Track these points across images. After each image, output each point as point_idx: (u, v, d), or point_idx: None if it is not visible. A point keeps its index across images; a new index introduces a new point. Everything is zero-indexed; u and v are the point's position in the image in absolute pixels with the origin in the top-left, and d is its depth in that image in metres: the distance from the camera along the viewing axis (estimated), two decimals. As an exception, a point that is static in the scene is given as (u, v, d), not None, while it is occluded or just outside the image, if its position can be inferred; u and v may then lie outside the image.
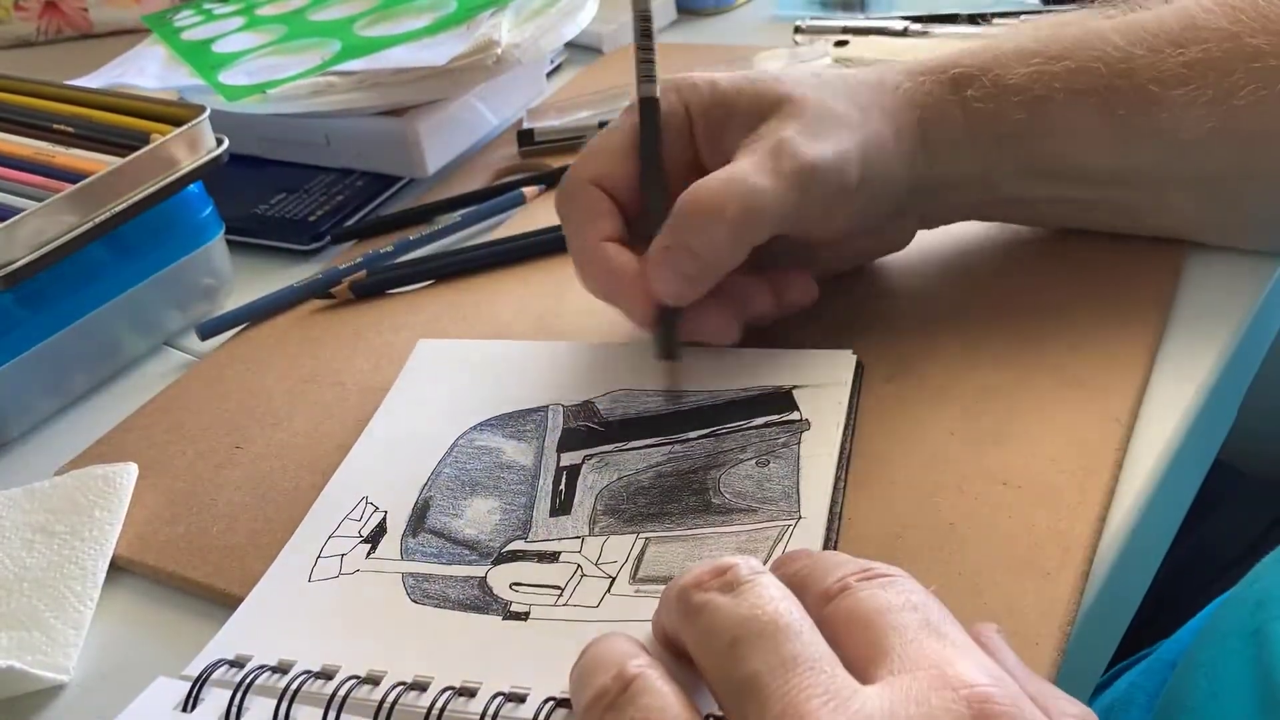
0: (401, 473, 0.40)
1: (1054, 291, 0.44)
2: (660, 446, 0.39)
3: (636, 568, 0.35)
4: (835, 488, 0.36)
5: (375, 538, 0.38)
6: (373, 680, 0.33)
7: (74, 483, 0.43)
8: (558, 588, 0.35)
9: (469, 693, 0.32)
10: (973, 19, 0.69)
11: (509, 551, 0.37)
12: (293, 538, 0.39)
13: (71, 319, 0.49)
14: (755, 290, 0.42)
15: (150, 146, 0.48)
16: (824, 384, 0.40)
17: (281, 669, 0.33)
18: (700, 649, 0.27)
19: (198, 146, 0.50)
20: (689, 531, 0.36)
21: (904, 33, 0.69)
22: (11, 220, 0.44)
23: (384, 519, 0.39)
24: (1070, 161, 0.43)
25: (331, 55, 0.63)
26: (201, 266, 0.53)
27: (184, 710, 0.33)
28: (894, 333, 0.43)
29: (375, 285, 0.53)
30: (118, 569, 0.40)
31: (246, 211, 0.61)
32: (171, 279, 0.52)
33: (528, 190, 0.58)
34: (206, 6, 0.75)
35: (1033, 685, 0.26)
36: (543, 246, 0.53)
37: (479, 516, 0.38)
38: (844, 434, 0.38)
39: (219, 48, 0.68)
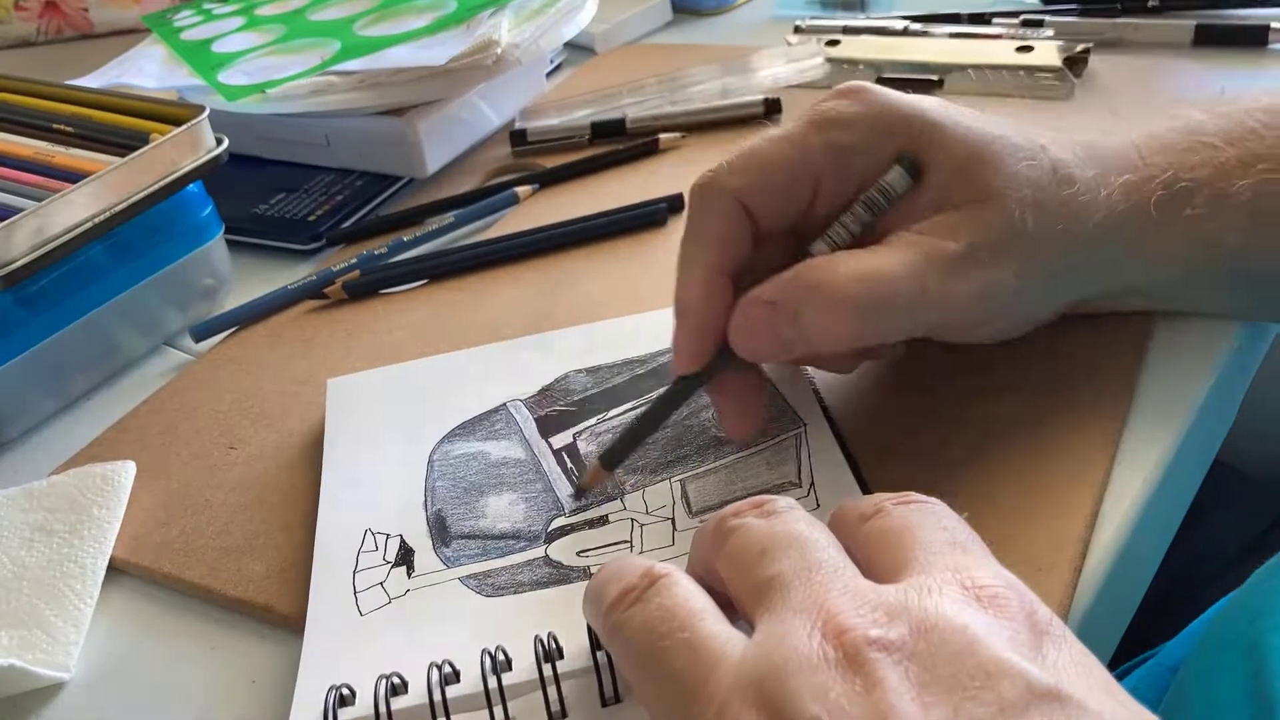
0: (389, 500, 0.39)
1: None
2: (640, 408, 0.40)
3: (688, 504, 0.36)
4: (818, 397, 0.39)
5: (406, 557, 0.37)
6: (506, 656, 0.31)
7: (72, 481, 0.43)
8: (625, 541, 0.36)
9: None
10: (973, 19, 0.69)
11: (556, 529, 0.37)
12: (311, 593, 0.36)
13: (71, 319, 0.49)
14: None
15: (150, 146, 0.48)
16: None
17: (400, 682, 0.32)
18: (730, 563, 0.28)
19: (197, 146, 0.50)
20: (717, 463, 0.38)
21: (904, 32, 0.69)
22: (11, 220, 0.44)
23: (403, 540, 0.37)
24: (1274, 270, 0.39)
25: (331, 55, 0.63)
26: (201, 266, 0.53)
27: None
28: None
29: (368, 285, 0.53)
30: (114, 570, 0.40)
31: (246, 211, 0.61)
32: (171, 279, 0.52)
33: (521, 190, 0.59)
34: (206, 6, 0.75)
35: None
36: (535, 245, 0.54)
37: (503, 511, 0.38)
38: None
39: (219, 48, 0.68)
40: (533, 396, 0.42)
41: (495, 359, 0.45)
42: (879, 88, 0.38)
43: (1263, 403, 0.56)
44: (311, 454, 0.43)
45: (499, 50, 0.59)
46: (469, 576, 0.36)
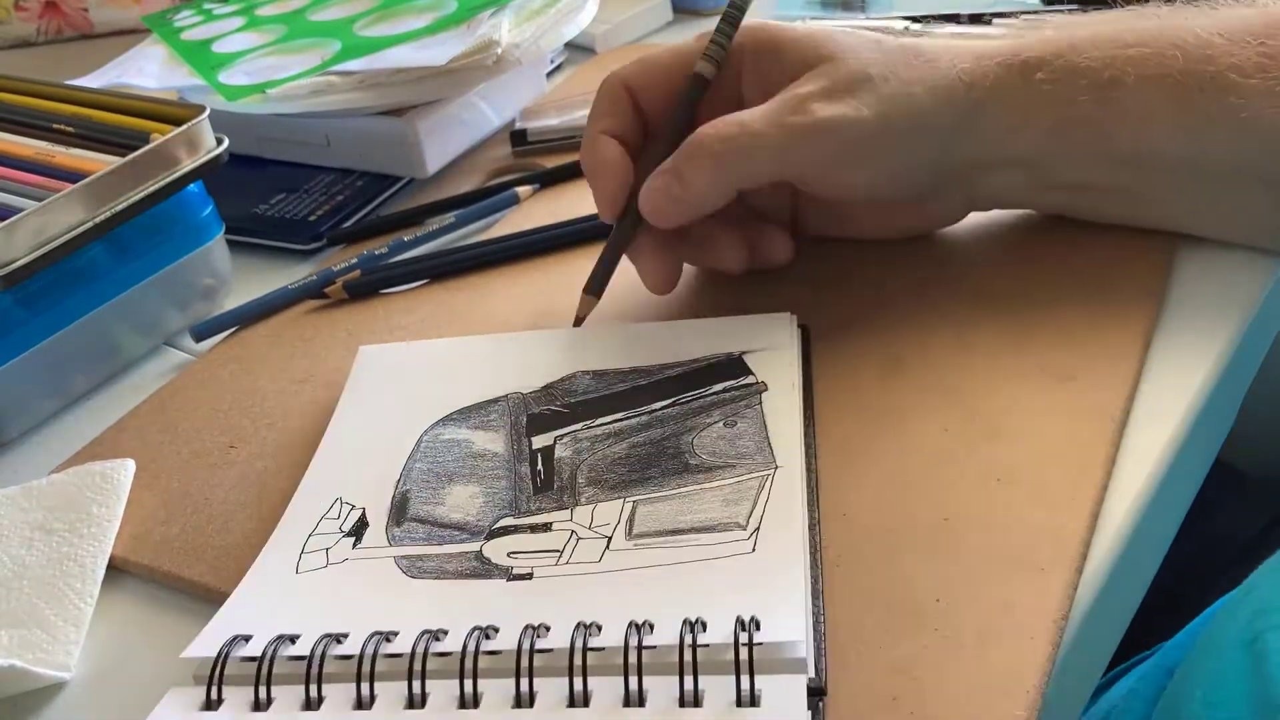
0: (370, 473, 0.40)
1: (1045, 286, 0.44)
2: (628, 420, 0.40)
3: (630, 526, 0.36)
4: (805, 439, 0.38)
5: (358, 530, 0.38)
6: (390, 635, 0.33)
7: (72, 480, 0.43)
8: (555, 551, 0.36)
9: (494, 630, 0.32)
10: (973, 19, 0.69)
11: (500, 528, 0.37)
12: (269, 543, 0.38)
13: (71, 319, 0.49)
14: (728, 241, 0.46)
15: (150, 146, 0.49)
16: (771, 348, 0.42)
17: (292, 639, 0.33)
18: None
19: (198, 146, 0.50)
20: (674, 491, 0.37)
21: (904, 32, 0.69)
22: (11, 220, 0.44)
23: (363, 514, 0.39)
24: (1141, 147, 0.43)
25: (331, 55, 0.63)
26: (201, 266, 0.53)
27: (207, 710, 0.32)
28: (887, 330, 0.43)
29: (369, 285, 0.53)
30: (114, 569, 0.40)
31: (246, 211, 0.61)
32: (171, 279, 0.52)
33: (521, 190, 0.59)
34: (206, 6, 0.75)
35: None
36: (536, 245, 0.54)
37: (461, 502, 0.38)
38: (802, 392, 0.40)
39: (219, 48, 0.68)
40: (535, 392, 0.43)
41: (521, 346, 0.45)
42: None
43: (1263, 403, 0.56)
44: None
45: (499, 50, 0.59)
46: (403, 557, 0.37)
